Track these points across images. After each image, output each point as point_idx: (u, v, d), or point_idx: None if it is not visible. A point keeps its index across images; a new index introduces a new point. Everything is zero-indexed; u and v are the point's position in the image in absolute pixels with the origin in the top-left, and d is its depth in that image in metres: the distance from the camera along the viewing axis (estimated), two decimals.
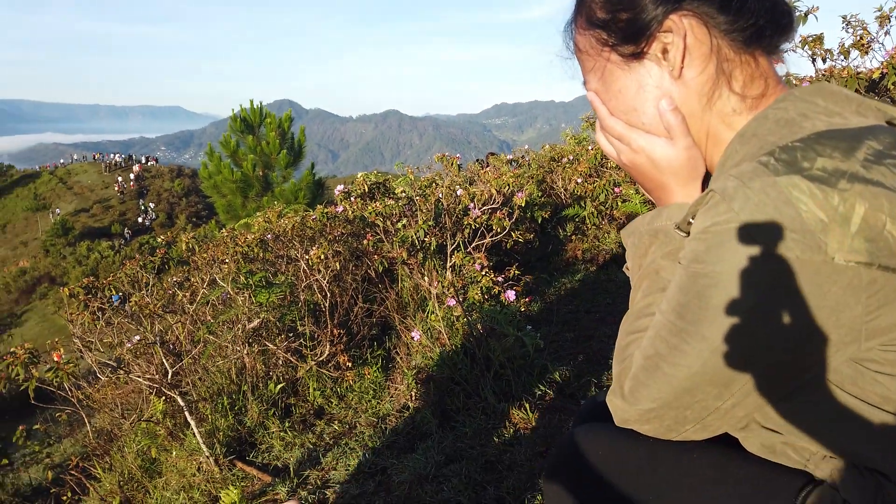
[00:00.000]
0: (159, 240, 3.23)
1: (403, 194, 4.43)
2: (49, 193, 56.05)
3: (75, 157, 79.43)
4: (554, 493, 0.92)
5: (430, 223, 3.66)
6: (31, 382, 2.55)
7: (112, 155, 69.86)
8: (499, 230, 3.92)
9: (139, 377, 2.76)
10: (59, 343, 3.01)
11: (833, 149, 0.63)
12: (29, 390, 2.47)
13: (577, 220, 5.11)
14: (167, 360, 2.85)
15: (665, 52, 0.78)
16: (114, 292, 3.18)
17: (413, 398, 2.62)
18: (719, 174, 0.74)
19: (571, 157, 5.69)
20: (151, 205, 50.53)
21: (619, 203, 4.96)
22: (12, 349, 2.12)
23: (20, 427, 3.27)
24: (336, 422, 2.83)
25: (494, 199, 4.09)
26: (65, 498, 2.81)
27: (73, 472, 2.82)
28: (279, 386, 3.01)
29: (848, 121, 0.70)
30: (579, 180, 5.25)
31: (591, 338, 2.84)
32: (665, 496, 0.83)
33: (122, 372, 2.75)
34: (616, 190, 5.01)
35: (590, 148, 5.68)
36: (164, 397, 2.91)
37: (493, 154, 8.11)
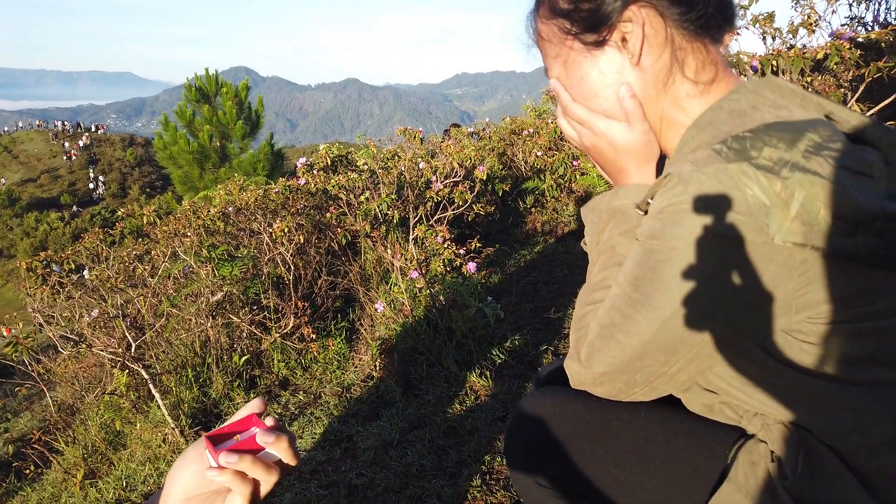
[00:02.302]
0: (119, 212, 3.18)
1: (366, 167, 4.45)
2: None
3: (20, 124, 76.01)
4: (515, 451, 1.00)
5: (392, 196, 3.70)
6: None
7: (59, 122, 67.09)
8: (461, 203, 3.98)
9: (102, 351, 2.76)
10: (17, 318, 2.98)
11: (779, 140, 0.70)
12: None
13: (536, 192, 5.20)
14: (130, 334, 2.85)
15: (624, 40, 0.83)
16: (71, 265, 3.14)
17: (377, 368, 2.69)
18: (676, 159, 0.80)
19: (531, 131, 5.76)
20: (101, 177, 48.88)
21: (578, 176, 5.06)
22: None
23: None
24: (301, 392, 2.88)
25: (456, 173, 4.14)
26: (27, 472, 2.81)
27: (34, 446, 2.82)
28: (244, 358, 3.04)
29: (793, 113, 0.77)
30: (539, 153, 5.33)
31: (548, 308, 2.95)
32: (616, 450, 0.92)
33: (83, 346, 2.74)
34: (574, 163, 5.11)
35: (549, 121, 5.76)
36: (127, 370, 2.92)
37: (455, 126, 8.11)
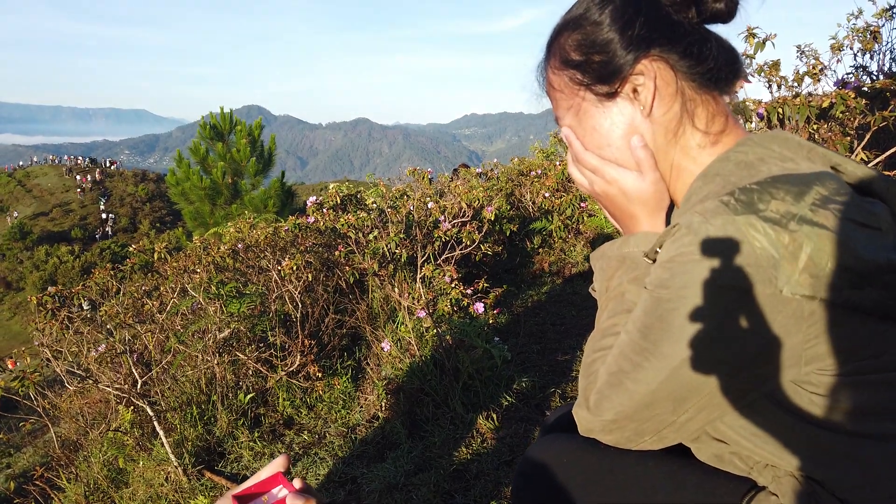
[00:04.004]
0: (131, 248, 3.22)
1: (375, 206, 4.49)
2: (7, 196, 54.42)
3: (35, 159, 77.32)
4: (524, 499, 0.99)
5: (400, 235, 3.73)
6: None
7: (72, 157, 68.23)
8: (468, 243, 4.01)
9: (108, 387, 2.76)
10: (26, 352, 2.99)
11: (786, 192, 0.71)
12: None
13: (544, 233, 5.23)
14: (136, 370, 2.85)
15: (636, 91, 0.86)
16: (81, 301, 3.17)
17: (383, 408, 2.67)
18: (685, 209, 0.81)
19: (539, 172, 5.82)
20: (112, 215, 49.38)
21: (586, 217, 5.09)
22: None
23: None
24: (306, 432, 2.86)
25: (464, 213, 4.18)
26: None
27: (36, 482, 2.79)
28: (249, 396, 3.03)
29: (799, 166, 0.78)
30: (547, 194, 5.37)
31: (556, 350, 2.93)
32: (624, 499, 0.91)
33: (90, 381, 2.74)
34: (582, 205, 5.14)
35: (557, 163, 5.82)
36: (132, 407, 2.91)
37: (464, 166, 8.19)
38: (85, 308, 3.24)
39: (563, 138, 0.98)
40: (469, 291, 3.47)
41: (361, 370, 3.33)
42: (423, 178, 4.52)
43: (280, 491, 0.83)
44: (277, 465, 0.86)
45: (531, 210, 5.61)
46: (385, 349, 3.13)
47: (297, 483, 0.82)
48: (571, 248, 4.96)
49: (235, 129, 11.38)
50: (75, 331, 2.86)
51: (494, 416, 2.28)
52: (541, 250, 5.11)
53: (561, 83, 0.92)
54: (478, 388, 2.45)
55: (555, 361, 2.79)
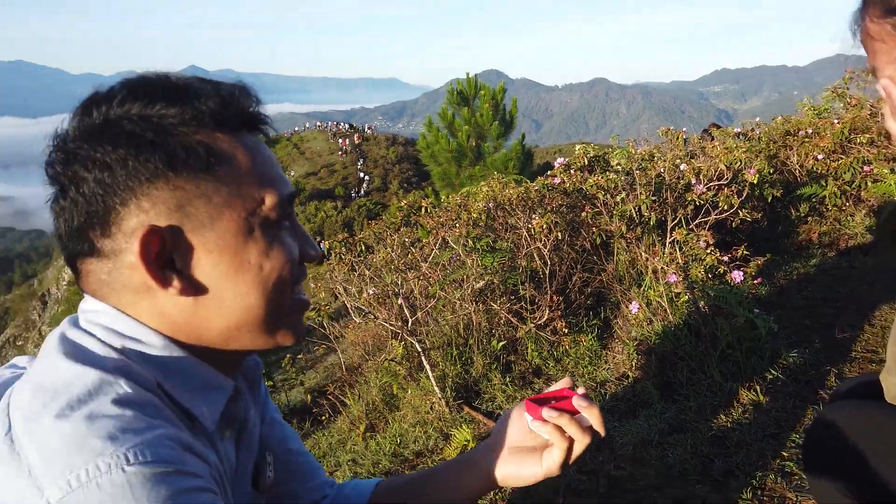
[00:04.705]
0: (402, 204, 3.62)
1: (620, 167, 4.42)
2: (286, 157, 63.45)
3: (307, 125, 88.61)
4: (815, 458, 0.98)
5: (651, 198, 3.64)
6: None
7: (336, 123, 76.96)
8: (725, 207, 3.77)
9: (385, 322, 3.18)
10: (321, 286, 3.56)
11: None
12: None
13: (813, 199, 4.69)
14: (407, 311, 3.24)
15: None
16: (362, 247, 3.66)
17: (633, 368, 2.70)
18: None
19: (810, 131, 5.19)
20: (367, 175, 54.80)
21: (870, 183, 4.45)
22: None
23: (287, 356, 3.93)
24: (553, 381, 3.00)
25: (722, 175, 3.92)
26: (322, 418, 3.34)
27: (329, 397, 3.35)
28: (501, 343, 3.26)
29: None
30: (820, 156, 4.78)
31: (829, 326, 2.67)
32: None
33: (370, 316, 3.19)
34: (865, 168, 4.49)
35: (834, 121, 5.13)
36: (402, 342, 3.31)
37: (715, 125, 7.62)
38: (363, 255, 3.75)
39: (881, 90, 0.91)
40: (725, 259, 3.29)
41: (607, 329, 3.37)
42: (677, 137, 4.33)
43: (563, 400, 0.95)
44: (563, 382, 0.97)
45: (798, 174, 5.05)
46: (633, 311, 3.13)
47: (581, 391, 0.93)
48: (849, 217, 4.38)
49: (479, 94, 11.93)
50: (359, 273, 3.34)
51: (758, 388, 2.18)
52: (809, 219, 4.60)
53: (882, 32, 0.86)
54: (738, 357, 2.35)
55: (830, 338, 2.54)
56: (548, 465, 0.89)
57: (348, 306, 3.14)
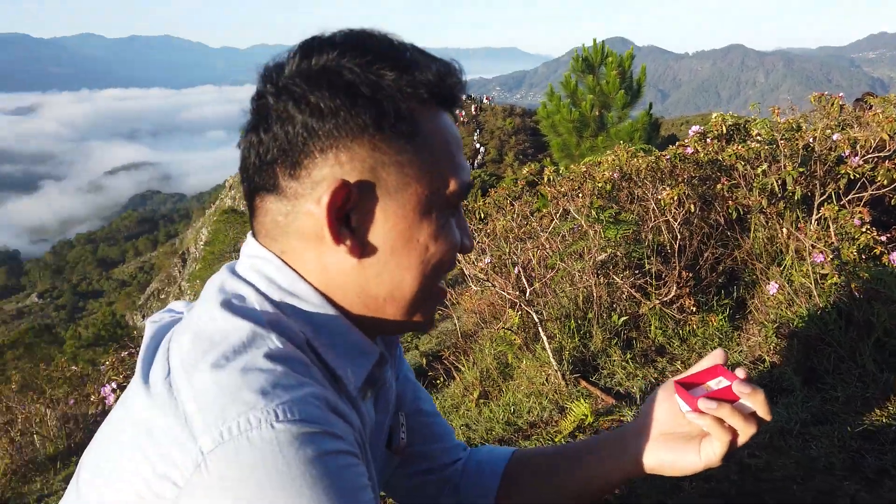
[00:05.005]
0: (524, 171, 3.56)
1: (761, 138, 4.08)
2: None
3: None
4: None
5: (799, 170, 3.33)
6: None
7: None
8: (885, 182, 3.38)
9: (502, 291, 3.15)
10: None
11: None
12: None
13: None
14: (522, 280, 3.19)
15: None
16: (481, 215, 3.63)
17: (770, 352, 2.50)
18: None
19: None
20: (483, 147, 54.68)
21: None
22: None
23: None
24: (678, 362, 2.86)
25: (884, 146, 3.51)
26: (437, 382, 3.40)
27: (444, 362, 3.39)
28: (622, 319, 3.14)
29: None
30: None
31: None
32: None
33: (489, 284, 3.17)
34: None
35: None
36: (519, 312, 3.28)
37: (870, 94, 6.86)
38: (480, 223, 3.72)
39: None
40: (883, 239, 2.96)
41: (739, 310, 3.15)
42: (832, 104, 3.91)
43: (719, 383, 0.85)
44: (715, 357, 0.87)
45: None
46: (771, 292, 2.90)
47: (740, 373, 0.83)
48: None
49: (606, 61, 11.45)
50: (477, 242, 3.32)
51: None
52: None
53: None
54: None
55: None
56: (707, 456, 0.82)
57: (466, 273, 3.14)
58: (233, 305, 0.68)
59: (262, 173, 0.71)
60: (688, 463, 0.85)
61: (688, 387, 0.85)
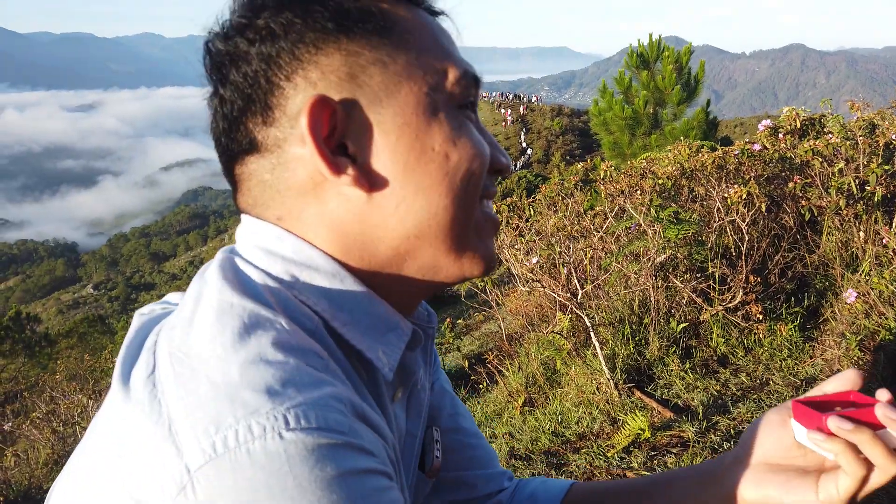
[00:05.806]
0: (578, 167, 3.36)
1: (831, 136, 3.78)
2: None
3: None
4: None
5: (884, 167, 3.04)
6: (463, 284, 2.94)
7: (501, 93, 77.02)
8: None
9: (552, 293, 2.96)
10: None
11: None
12: (461, 289, 2.85)
13: None
14: (574, 282, 2.99)
15: None
16: (531, 212, 3.45)
17: (851, 366, 2.25)
18: None
19: None
20: (529, 148, 54.17)
21: None
22: None
23: (447, 319, 3.86)
24: (743, 374, 2.63)
25: None
26: (481, 386, 3.23)
27: (488, 364, 3.22)
28: (681, 325, 2.92)
29: None
30: None
31: None
32: None
33: (536, 285, 2.99)
34: None
35: None
36: (569, 315, 3.08)
37: None
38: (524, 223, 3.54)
39: None
40: None
41: (811, 319, 2.89)
42: None
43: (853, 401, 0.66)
44: (847, 378, 0.67)
45: None
46: (849, 300, 2.63)
47: (882, 395, 0.63)
48: None
49: (662, 56, 11.04)
50: (528, 240, 3.14)
51: None
52: None
53: None
54: None
55: None
56: (829, 494, 0.62)
57: (513, 272, 2.96)
58: (231, 285, 0.54)
59: (233, 134, 0.59)
60: (800, 501, 0.65)
61: (809, 407, 0.65)
